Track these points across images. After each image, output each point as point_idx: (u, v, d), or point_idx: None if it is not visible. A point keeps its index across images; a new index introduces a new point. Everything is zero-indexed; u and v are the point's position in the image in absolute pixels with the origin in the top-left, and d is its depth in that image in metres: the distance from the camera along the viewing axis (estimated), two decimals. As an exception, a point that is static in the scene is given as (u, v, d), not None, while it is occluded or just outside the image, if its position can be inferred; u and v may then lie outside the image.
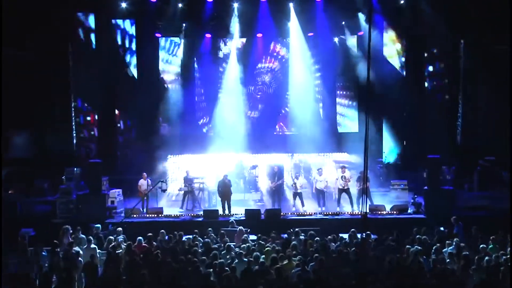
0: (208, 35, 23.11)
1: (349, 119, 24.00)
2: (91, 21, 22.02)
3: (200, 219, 16.85)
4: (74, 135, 21.78)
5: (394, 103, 22.00)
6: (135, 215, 16.91)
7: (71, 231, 14.00)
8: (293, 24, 22.37)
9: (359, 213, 16.60)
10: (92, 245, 12.92)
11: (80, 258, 12.12)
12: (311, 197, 18.79)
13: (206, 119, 23.54)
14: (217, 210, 17.24)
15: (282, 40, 23.51)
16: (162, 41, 23.34)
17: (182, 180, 18.66)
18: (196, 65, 23.82)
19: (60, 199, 17.38)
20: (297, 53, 22.81)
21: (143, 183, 17.97)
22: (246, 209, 17.05)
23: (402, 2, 21.17)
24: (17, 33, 19.04)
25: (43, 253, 12.58)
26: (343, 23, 22.48)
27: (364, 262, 11.10)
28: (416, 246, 12.06)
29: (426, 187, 17.24)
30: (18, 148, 21.08)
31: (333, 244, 12.88)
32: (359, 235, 13.06)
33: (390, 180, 19.45)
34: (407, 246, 12.16)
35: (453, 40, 21.46)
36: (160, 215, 17.17)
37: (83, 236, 13.66)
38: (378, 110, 21.69)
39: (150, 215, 17.17)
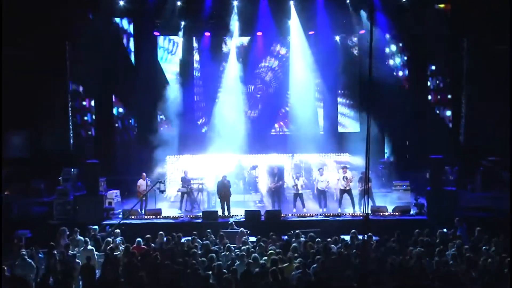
0: (207, 34, 23.10)
1: (350, 119, 23.97)
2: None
3: (199, 220, 16.84)
4: (71, 135, 21.76)
5: (396, 102, 21.96)
6: (133, 217, 16.90)
7: (68, 233, 14.00)
8: (294, 23, 22.36)
9: (361, 214, 16.59)
10: (90, 247, 12.90)
11: (77, 260, 12.11)
12: (311, 198, 18.79)
13: (205, 119, 23.51)
14: (217, 211, 17.24)
15: (282, 38, 23.48)
16: (160, 40, 23.32)
17: (180, 181, 18.64)
18: (195, 64, 23.81)
19: (57, 200, 17.35)
20: (297, 51, 22.77)
21: (142, 183, 17.96)
22: (246, 210, 17.05)
23: (404, 0, 21.16)
24: (13, 32, 19.02)
25: (40, 255, 12.55)
26: (344, 21, 22.44)
27: (365, 264, 11.08)
28: (418, 248, 12.05)
29: (428, 188, 17.23)
30: (15, 148, 21.07)
31: (334, 246, 12.85)
32: (360, 237, 13.06)
33: (392, 181, 19.46)
34: (410, 248, 12.14)
35: (455, 39, 21.44)
36: (158, 217, 17.16)
37: (81, 237, 13.65)
38: (380, 109, 21.65)
39: (148, 217, 17.16)
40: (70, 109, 21.69)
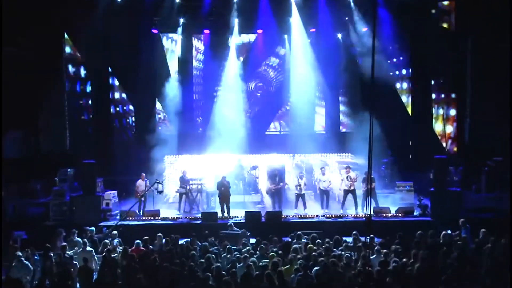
0: (206, 31, 23.10)
1: (352, 118, 23.93)
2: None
3: (198, 221, 16.84)
4: (68, 134, 21.76)
5: (399, 101, 21.94)
6: (130, 218, 16.91)
7: (64, 234, 14.00)
8: (295, 20, 22.35)
9: (363, 215, 16.59)
10: (89, 248, 12.90)
11: (75, 262, 12.11)
12: (313, 199, 18.79)
13: (204, 118, 23.50)
14: (216, 212, 17.24)
15: (283, 36, 23.45)
16: (159, 38, 23.30)
17: (179, 181, 18.64)
18: (194, 62, 23.81)
19: (53, 201, 17.36)
20: (298, 49, 22.76)
21: (141, 183, 17.96)
22: (246, 212, 17.06)
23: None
24: (9, 31, 19.01)
25: (36, 257, 12.56)
26: (346, 18, 22.43)
27: (367, 267, 11.07)
28: (421, 251, 12.03)
29: (432, 189, 17.23)
30: (10, 148, 21.05)
31: (335, 249, 12.85)
32: (362, 238, 13.05)
33: (395, 181, 19.44)
34: (413, 250, 12.14)
35: (460, 37, 21.42)
36: (156, 218, 17.16)
37: (79, 239, 13.66)
38: (383, 108, 21.64)
39: (147, 218, 17.16)
40: (66, 108, 21.67)
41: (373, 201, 17.17)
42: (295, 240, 13.43)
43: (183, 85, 22.96)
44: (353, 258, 11.98)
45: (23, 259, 11.86)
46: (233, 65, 23.06)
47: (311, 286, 10.26)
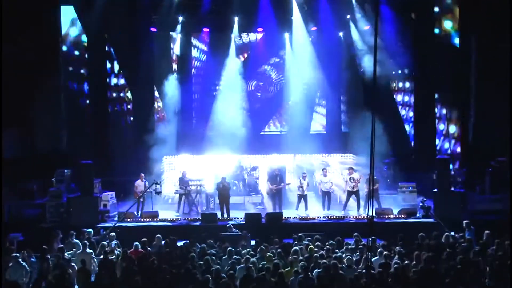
0: (206, 29, 23.10)
1: (354, 117, 23.91)
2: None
3: (198, 223, 16.84)
4: (65, 134, 21.74)
5: (401, 100, 21.93)
6: (128, 219, 16.90)
7: (61, 236, 13.99)
8: (296, 18, 22.35)
9: (365, 217, 16.59)
10: (88, 250, 12.89)
11: (73, 264, 12.11)
12: (314, 200, 18.78)
13: (204, 118, 23.49)
14: (215, 214, 17.24)
15: (284, 35, 23.43)
16: (157, 36, 23.28)
17: (178, 182, 18.65)
18: (193, 61, 23.80)
19: (49, 202, 17.37)
20: (299, 48, 22.76)
21: (140, 184, 17.97)
22: (246, 213, 17.06)
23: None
24: (5, 29, 19.01)
25: (32, 259, 12.55)
26: (348, 16, 22.43)
27: (369, 269, 11.07)
28: (423, 252, 12.04)
29: (435, 190, 17.22)
30: (5, 148, 21.03)
31: (337, 251, 12.85)
32: (364, 240, 13.07)
33: (397, 182, 19.44)
34: (416, 252, 12.14)
35: (463, 35, 21.39)
36: (155, 219, 17.16)
37: (77, 241, 13.66)
38: (386, 107, 21.66)
39: (145, 219, 17.16)
40: (63, 107, 21.66)
41: (375, 202, 17.21)
42: (296, 242, 13.44)
43: (182, 84, 22.96)
44: (355, 260, 11.98)
45: (20, 260, 11.85)
46: (233, 64, 23.07)
47: (312, 288, 10.28)
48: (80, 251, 12.96)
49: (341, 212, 17.63)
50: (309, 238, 13.58)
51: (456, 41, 21.46)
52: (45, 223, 17.01)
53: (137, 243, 13.24)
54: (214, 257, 12.18)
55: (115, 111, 23.43)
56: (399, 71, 23.07)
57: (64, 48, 21.88)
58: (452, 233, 13.98)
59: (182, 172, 18.69)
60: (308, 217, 17.16)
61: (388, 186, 20.30)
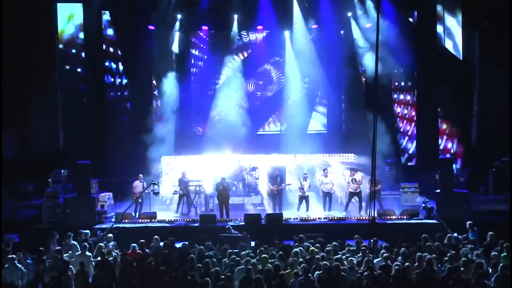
0: (205, 28, 23.07)
1: (355, 117, 23.87)
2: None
3: (197, 224, 16.83)
4: (62, 134, 21.73)
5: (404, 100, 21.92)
6: (126, 220, 16.89)
7: (57, 237, 13.98)
8: (296, 16, 22.33)
9: (367, 218, 16.58)
10: (88, 253, 12.85)
11: (70, 266, 12.09)
12: (315, 201, 18.77)
13: (203, 117, 23.48)
14: (215, 215, 17.23)
15: (284, 33, 23.41)
16: (155, 34, 23.26)
17: (177, 183, 18.63)
18: (192, 60, 23.78)
19: (46, 203, 17.36)
20: (299, 46, 22.74)
21: (138, 184, 17.96)
22: (245, 214, 17.05)
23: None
24: (2, 29, 19.01)
25: (28, 260, 12.53)
26: (349, 14, 22.41)
27: (370, 271, 11.07)
28: (425, 254, 12.03)
29: (438, 190, 17.21)
30: (1, 148, 21.03)
31: (339, 252, 12.84)
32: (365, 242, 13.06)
33: (400, 183, 19.42)
34: (418, 254, 12.13)
35: (467, 33, 21.38)
36: (153, 220, 17.14)
37: (75, 242, 13.64)
38: (388, 107, 21.66)
39: (143, 220, 17.14)
40: (60, 106, 21.64)
41: (377, 203, 17.19)
42: (296, 244, 13.42)
43: (180, 82, 22.92)
44: (356, 261, 11.97)
45: (15, 261, 11.83)
46: (232, 63, 23.05)
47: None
48: (79, 253, 12.94)
49: (342, 213, 17.62)
50: (311, 241, 13.55)
51: (458, 40, 21.46)
52: (42, 224, 16.98)
53: (134, 244, 13.22)
54: (213, 259, 12.16)
55: (112, 110, 23.40)
56: (401, 70, 23.05)
57: (61, 46, 21.87)
58: (455, 234, 13.97)
59: (181, 172, 18.68)
60: (309, 218, 17.15)
61: (390, 186, 20.28)
